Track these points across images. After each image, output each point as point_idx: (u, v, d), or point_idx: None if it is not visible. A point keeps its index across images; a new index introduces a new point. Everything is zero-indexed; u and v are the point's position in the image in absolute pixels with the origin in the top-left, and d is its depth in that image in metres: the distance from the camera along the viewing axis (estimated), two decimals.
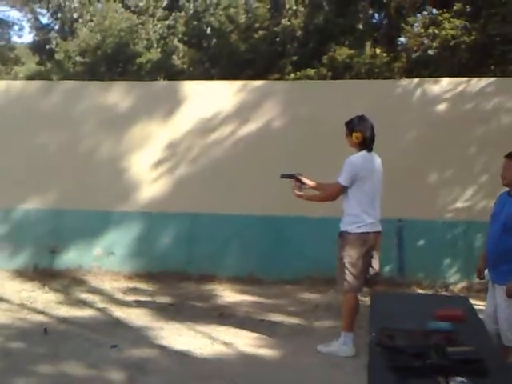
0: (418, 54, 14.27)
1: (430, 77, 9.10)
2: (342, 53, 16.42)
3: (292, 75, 16.65)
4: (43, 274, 7.59)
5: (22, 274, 7.59)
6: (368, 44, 18.28)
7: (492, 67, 11.34)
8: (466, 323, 3.21)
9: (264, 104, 7.55)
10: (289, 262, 7.37)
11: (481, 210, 7.11)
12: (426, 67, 12.17)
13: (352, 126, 4.89)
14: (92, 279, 7.52)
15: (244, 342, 5.19)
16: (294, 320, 5.93)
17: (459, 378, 2.21)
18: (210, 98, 7.63)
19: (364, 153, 4.88)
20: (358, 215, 4.81)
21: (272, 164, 6.98)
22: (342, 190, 4.86)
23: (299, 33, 17.69)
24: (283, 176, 5.08)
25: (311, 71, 16.35)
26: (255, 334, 5.40)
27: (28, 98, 7.93)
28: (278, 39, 17.76)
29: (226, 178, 7.47)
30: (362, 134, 4.83)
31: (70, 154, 7.77)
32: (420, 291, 7.04)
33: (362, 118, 4.93)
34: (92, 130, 7.76)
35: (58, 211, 7.74)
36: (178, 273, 7.52)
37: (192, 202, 7.57)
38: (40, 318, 5.88)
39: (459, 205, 7.17)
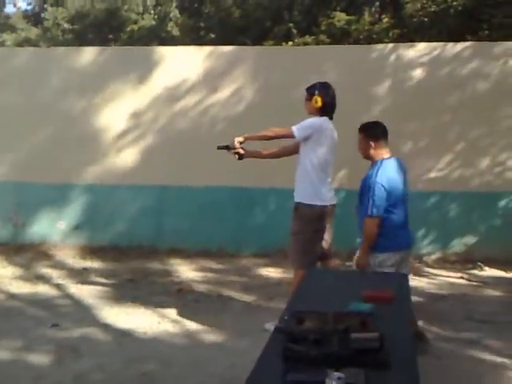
0: (415, 19, 13.88)
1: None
2: (341, 18, 15.95)
3: (290, 43, 16.20)
4: (7, 248, 7.38)
5: None
6: (367, 10, 17.85)
7: (486, 32, 10.90)
8: (393, 305, 2.92)
9: (234, 70, 7.19)
10: (260, 235, 7.13)
11: (456, 179, 6.82)
12: (419, 33, 11.75)
13: (313, 90, 4.54)
14: (56, 253, 7.34)
15: (193, 321, 4.92)
16: (253, 297, 5.68)
17: (337, 374, 1.92)
18: (178, 64, 7.29)
19: (326, 119, 4.53)
20: (316, 185, 4.47)
21: (242, 133, 6.63)
22: (289, 136, 4.44)
23: None
24: (220, 147, 4.71)
25: (309, 38, 15.93)
26: (207, 312, 5.16)
27: None
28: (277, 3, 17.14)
29: (194, 149, 7.13)
30: (322, 98, 4.47)
31: (31, 124, 7.46)
32: None
33: (324, 84, 4.61)
34: (55, 97, 7.43)
35: (20, 184, 7.48)
36: (145, 247, 7.30)
37: (160, 174, 7.28)
38: None
39: (433, 174, 6.85)
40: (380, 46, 7.27)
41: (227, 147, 4.63)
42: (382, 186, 3.82)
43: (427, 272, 6.60)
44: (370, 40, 14.64)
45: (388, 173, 3.89)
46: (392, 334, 2.46)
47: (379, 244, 3.88)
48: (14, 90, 7.48)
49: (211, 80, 7.20)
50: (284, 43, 15.94)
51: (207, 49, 7.46)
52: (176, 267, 6.80)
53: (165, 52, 7.46)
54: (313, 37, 15.88)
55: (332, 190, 4.59)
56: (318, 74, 6.35)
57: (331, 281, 3.44)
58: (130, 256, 7.16)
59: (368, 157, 4.04)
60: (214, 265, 6.89)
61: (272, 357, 2.30)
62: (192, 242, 7.22)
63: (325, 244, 4.60)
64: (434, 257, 6.95)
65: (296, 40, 16.02)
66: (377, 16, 17.91)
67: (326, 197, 4.48)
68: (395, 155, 6.63)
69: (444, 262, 6.86)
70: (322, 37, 15.73)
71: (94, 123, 7.38)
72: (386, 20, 16.41)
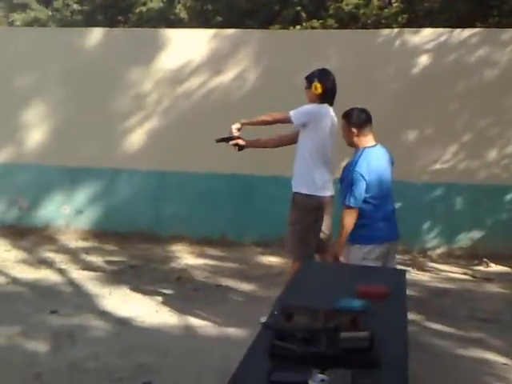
0: (426, 4, 13.70)
1: None
2: (349, 2, 15.76)
3: (298, 27, 16.02)
4: (13, 230, 7.40)
5: None
6: None
7: (496, 18, 10.72)
8: (387, 301, 2.86)
9: (238, 54, 7.09)
10: (261, 223, 7.05)
11: (463, 171, 6.71)
12: (428, 19, 11.57)
13: (312, 77, 4.44)
14: (60, 238, 7.33)
15: (191, 310, 4.89)
16: (252, 286, 5.65)
17: (321, 376, 1.88)
18: (183, 47, 7.18)
19: (326, 105, 4.44)
20: (314, 175, 4.38)
21: (245, 117, 6.53)
22: (286, 121, 4.36)
23: None
24: (219, 141, 4.65)
25: (316, 22, 15.75)
26: (205, 302, 5.14)
27: None
28: None
29: (195, 134, 7.05)
30: (322, 84, 4.37)
31: (37, 106, 7.44)
32: (396, 256, 6.69)
33: (323, 70, 4.51)
34: (61, 79, 7.38)
35: (26, 166, 7.48)
36: (147, 233, 7.27)
37: (162, 159, 7.23)
38: None
39: (439, 166, 6.74)
40: (385, 32, 7.10)
41: (226, 139, 4.56)
42: (362, 175, 3.69)
43: (431, 267, 6.51)
44: (378, 25, 14.47)
45: (369, 162, 3.74)
46: (383, 332, 2.41)
47: (362, 236, 3.76)
48: (22, 72, 7.45)
49: (215, 63, 7.11)
50: (292, 27, 15.81)
51: (211, 31, 7.36)
52: (177, 254, 6.79)
53: (170, 34, 7.38)
54: (320, 21, 15.72)
55: (331, 180, 4.48)
56: (322, 58, 6.28)
57: (326, 275, 3.39)
58: (132, 242, 7.15)
59: (351, 144, 3.90)
60: (214, 253, 6.86)
61: (258, 354, 2.26)
62: (193, 229, 7.18)
63: (323, 236, 4.50)
64: (438, 251, 6.84)
65: (304, 24, 15.86)
66: (387, 0, 17.69)
67: (325, 187, 4.40)
68: (399, 143, 6.65)
69: (449, 257, 6.76)
70: (330, 21, 15.57)
71: (98, 106, 7.31)
72: (395, 5, 16.22)
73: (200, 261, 6.54)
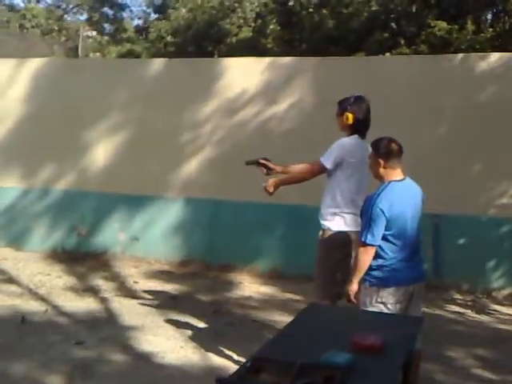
0: None
1: None
2: (441, 28, 15.21)
3: (387, 54, 15.63)
4: (69, 257, 7.53)
5: (49, 257, 7.59)
6: (470, 18, 16.90)
7: None
8: (382, 356, 2.50)
9: (293, 82, 6.89)
10: (314, 256, 6.70)
11: None
12: None
13: (345, 105, 4.16)
14: (115, 264, 7.36)
15: (216, 347, 4.65)
16: None
17: None
18: (237, 76, 7.12)
19: (356, 137, 4.15)
20: (342, 210, 4.09)
21: (301, 148, 6.26)
22: (322, 171, 4.13)
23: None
24: (248, 163, 4.43)
25: (406, 49, 15.31)
26: (236, 339, 4.87)
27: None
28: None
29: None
30: (354, 115, 4.09)
31: (94, 134, 7.61)
32: (458, 296, 6.18)
33: (358, 98, 4.20)
34: (121, 108, 7.51)
35: (85, 193, 7.62)
36: (199, 261, 7.20)
37: (216, 188, 7.11)
38: (33, 304, 5.70)
39: (507, 200, 6.14)
40: (450, 56, 6.66)
41: (256, 163, 4.35)
42: (382, 211, 3.34)
43: (494, 309, 5.90)
44: (472, 50, 13.81)
45: (393, 196, 3.40)
46: None
47: (380, 278, 3.41)
48: (85, 102, 7.62)
49: (270, 92, 6.96)
50: (381, 54, 15.39)
51: (267, 60, 7.26)
52: (224, 285, 6.61)
53: (226, 63, 7.37)
54: (413, 47, 15.28)
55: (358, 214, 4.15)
56: (381, 85, 5.98)
57: (327, 321, 3.04)
58: (183, 269, 7.13)
59: (377, 176, 3.56)
60: (262, 285, 6.64)
61: None
62: (244, 259, 7.02)
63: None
64: (504, 292, 6.20)
65: (393, 51, 15.45)
66: (487, 25, 16.96)
67: (352, 222, 4.05)
68: (464, 175, 6.13)
69: None
70: (423, 47, 15.09)
71: (155, 135, 7.35)
72: (491, 30, 15.51)
73: (245, 293, 6.34)
